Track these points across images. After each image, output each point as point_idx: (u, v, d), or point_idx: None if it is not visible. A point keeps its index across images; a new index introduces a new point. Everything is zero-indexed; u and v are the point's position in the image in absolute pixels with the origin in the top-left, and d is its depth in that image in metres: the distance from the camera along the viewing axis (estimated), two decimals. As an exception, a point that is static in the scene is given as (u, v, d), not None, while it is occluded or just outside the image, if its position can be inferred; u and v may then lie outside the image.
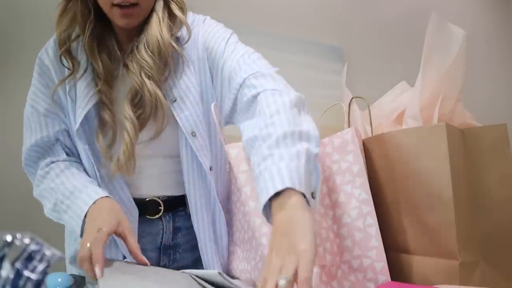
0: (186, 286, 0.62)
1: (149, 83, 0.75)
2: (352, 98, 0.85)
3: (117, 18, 0.75)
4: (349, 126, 0.84)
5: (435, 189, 0.66)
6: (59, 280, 0.64)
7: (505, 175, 0.68)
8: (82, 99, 0.78)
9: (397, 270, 0.71)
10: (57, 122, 0.83)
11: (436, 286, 0.62)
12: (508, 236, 0.68)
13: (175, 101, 0.79)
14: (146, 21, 0.79)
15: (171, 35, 0.79)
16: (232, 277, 0.86)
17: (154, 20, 0.78)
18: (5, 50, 1.88)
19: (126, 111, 0.76)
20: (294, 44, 2.43)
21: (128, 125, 0.75)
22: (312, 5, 2.80)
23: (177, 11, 0.80)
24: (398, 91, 0.89)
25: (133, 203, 0.82)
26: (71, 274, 0.70)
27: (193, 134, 0.80)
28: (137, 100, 0.77)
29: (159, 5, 0.79)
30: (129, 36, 0.81)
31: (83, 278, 0.70)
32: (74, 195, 0.75)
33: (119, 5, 0.73)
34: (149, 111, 0.77)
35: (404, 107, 0.81)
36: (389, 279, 0.67)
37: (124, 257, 0.83)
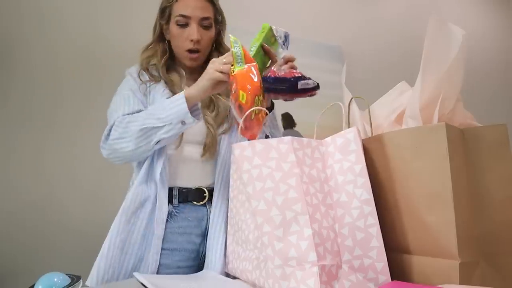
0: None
1: (222, 99, 1.12)
2: (352, 98, 0.85)
3: (187, 60, 1.12)
4: (348, 126, 0.84)
5: (435, 189, 0.66)
6: (55, 280, 0.64)
7: (505, 175, 0.68)
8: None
9: (397, 270, 0.71)
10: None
11: (439, 286, 0.62)
12: (508, 236, 0.68)
13: None
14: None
15: None
16: (233, 277, 0.86)
17: None
18: (4, 50, 1.88)
19: (206, 114, 1.09)
20: (294, 44, 2.43)
21: (210, 120, 1.08)
22: (312, 5, 2.80)
23: None
24: (398, 91, 0.89)
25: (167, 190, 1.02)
26: (67, 274, 0.70)
27: None
28: (212, 107, 1.12)
29: (216, 56, 1.10)
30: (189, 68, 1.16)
31: (79, 277, 0.70)
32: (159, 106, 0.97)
33: (189, 51, 1.10)
34: (223, 114, 1.11)
35: (404, 107, 0.81)
36: (390, 279, 0.67)
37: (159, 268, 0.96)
